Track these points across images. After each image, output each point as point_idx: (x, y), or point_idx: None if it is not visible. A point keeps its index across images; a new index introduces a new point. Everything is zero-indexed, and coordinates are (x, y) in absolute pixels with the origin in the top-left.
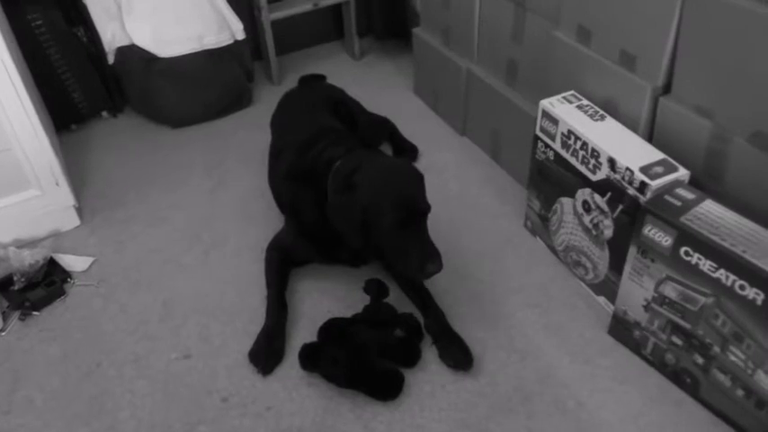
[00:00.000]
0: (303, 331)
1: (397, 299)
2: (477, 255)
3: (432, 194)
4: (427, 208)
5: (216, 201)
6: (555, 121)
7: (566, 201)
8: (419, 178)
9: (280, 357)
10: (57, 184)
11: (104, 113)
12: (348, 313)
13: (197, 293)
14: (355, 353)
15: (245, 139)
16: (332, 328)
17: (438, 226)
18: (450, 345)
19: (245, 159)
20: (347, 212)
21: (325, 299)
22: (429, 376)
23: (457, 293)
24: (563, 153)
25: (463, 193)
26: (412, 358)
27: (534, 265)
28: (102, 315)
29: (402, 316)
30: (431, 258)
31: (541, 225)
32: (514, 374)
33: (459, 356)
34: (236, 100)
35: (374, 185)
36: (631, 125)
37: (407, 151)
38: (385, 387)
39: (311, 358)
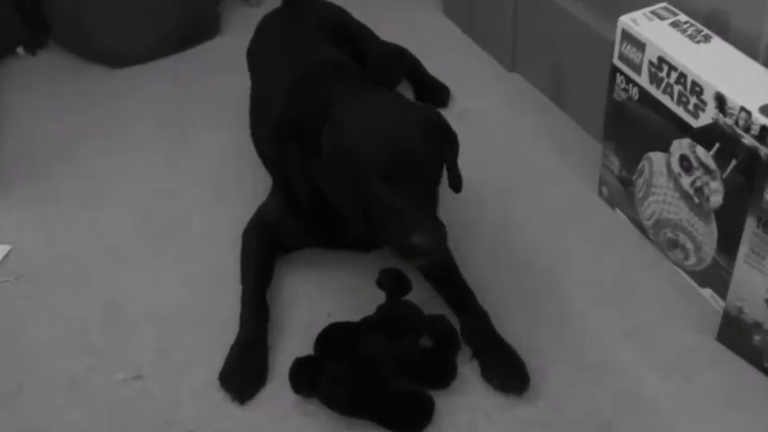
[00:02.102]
0: (295, 341)
1: (424, 295)
2: (533, 235)
3: (469, 152)
4: (431, 161)
5: (175, 168)
6: (640, 46)
7: (656, 157)
8: (435, 128)
9: (261, 379)
10: None
11: (19, 50)
12: (356, 316)
13: (151, 293)
14: (366, 370)
15: (213, 82)
16: (334, 337)
17: (479, 196)
18: (496, 358)
19: (213, 110)
20: (334, 167)
21: (324, 297)
22: (468, 401)
23: (506, 288)
24: (652, 90)
25: (513, 150)
26: (444, 377)
27: (613, 247)
28: (25, 323)
29: (430, 319)
30: (418, 228)
31: (623, 192)
32: (585, 397)
33: (508, 374)
34: (199, 28)
35: (361, 122)
36: (748, 48)
37: (434, 93)
38: (406, 416)
39: (307, 378)
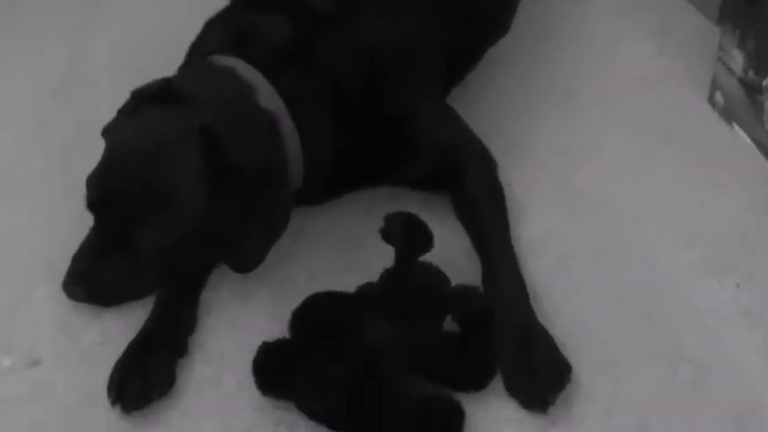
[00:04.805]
0: (261, 316)
1: (451, 255)
2: (608, 164)
3: (515, 44)
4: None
5: (78, 60)
6: None
7: None
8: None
9: (159, 383)
10: None
11: None
12: (351, 284)
13: (50, 240)
14: (366, 364)
15: None
16: (319, 314)
17: (531, 104)
18: (519, 354)
19: None
20: None
21: (304, 251)
22: (511, 409)
23: (568, 248)
24: None
25: (584, 37)
26: (478, 375)
27: (729, 183)
28: None
29: (458, 292)
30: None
31: (746, 101)
32: (686, 408)
33: (532, 382)
34: None
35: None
36: None
37: None
38: (425, 430)
39: (279, 372)
